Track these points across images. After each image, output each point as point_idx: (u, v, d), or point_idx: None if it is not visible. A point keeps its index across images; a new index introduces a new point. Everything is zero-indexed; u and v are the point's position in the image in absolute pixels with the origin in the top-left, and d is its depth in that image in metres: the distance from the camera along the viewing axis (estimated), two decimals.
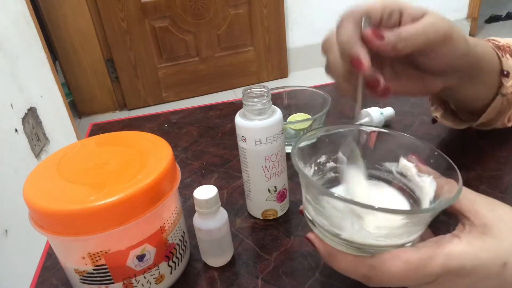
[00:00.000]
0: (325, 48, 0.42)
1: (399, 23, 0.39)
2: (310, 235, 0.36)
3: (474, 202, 0.32)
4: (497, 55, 0.48)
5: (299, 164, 0.35)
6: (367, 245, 0.33)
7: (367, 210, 0.30)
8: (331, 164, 0.41)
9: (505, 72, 0.48)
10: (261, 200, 0.49)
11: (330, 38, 0.41)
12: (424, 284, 0.31)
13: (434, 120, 0.60)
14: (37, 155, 1.31)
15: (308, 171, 0.39)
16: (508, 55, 0.49)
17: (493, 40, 0.51)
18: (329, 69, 0.42)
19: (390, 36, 0.37)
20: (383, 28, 0.38)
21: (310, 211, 0.36)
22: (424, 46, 0.38)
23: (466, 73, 0.45)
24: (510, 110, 0.52)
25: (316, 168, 0.40)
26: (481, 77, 0.47)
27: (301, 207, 0.39)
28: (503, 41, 0.52)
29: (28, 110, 1.32)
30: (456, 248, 0.30)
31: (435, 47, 0.39)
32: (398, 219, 0.31)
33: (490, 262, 0.30)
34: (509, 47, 0.50)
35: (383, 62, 0.44)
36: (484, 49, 0.46)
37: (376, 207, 0.30)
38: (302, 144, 0.38)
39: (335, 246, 0.34)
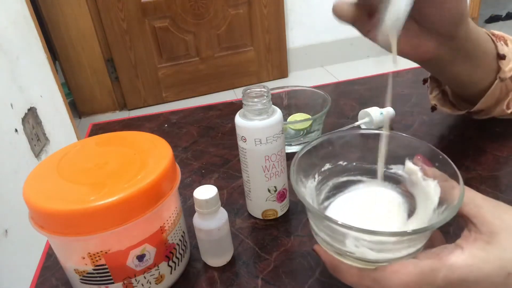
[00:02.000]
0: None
1: None
2: (316, 247, 0.37)
3: (481, 208, 0.32)
4: (492, 40, 0.49)
5: (298, 186, 0.35)
6: (370, 260, 0.33)
7: (365, 235, 0.31)
8: (335, 169, 0.41)
9: (501, 54, 0.48)
10: (261, 200, 0.49)
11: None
12: None
13: (433, 108, 0.60)
14: (37, 155, 1.31)
15: (311, 183, 0.39)
16: (502, 42, 0.50)
17: (489, 31, 0.52)
18: (339, 12, 0.42)
19: None
20: None
21: (313, 227, 0.36)
22: None
23: (459, 45, 0.44)
24: (508, 97, 0.52)
25: (320, 177, 0.40)
26: (474, 57, 0.47)
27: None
28: (499, 33, 0.52)
29: (28, 110, 1.32)
30: (458, 260, 0.30)
31: None
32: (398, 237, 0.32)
33: (494, 273, 0.30)
34: (503, 37, 0.51)
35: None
36: (479, 32, 0.46)
37: (373, 231, 0.30)
38: (300, 162, 0.38)
39: (339, 258, 0.34)
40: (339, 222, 0.31)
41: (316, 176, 0.40)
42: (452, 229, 0.39)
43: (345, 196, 0.40)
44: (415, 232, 0.31)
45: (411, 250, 0.32)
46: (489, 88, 0.50)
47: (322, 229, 0.35)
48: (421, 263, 0.31)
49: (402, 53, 0.44)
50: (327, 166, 0.41)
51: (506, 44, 0.51)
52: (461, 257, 0.30)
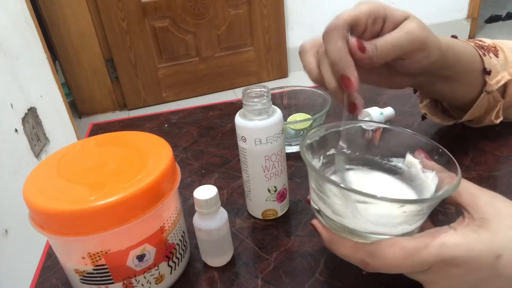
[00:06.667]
0: (301, 54, 0.43)
1: (381, 28, 0.40)
2: (314, 221, 0.38)
3: (475, 196, 0.33)
4: (479, 54, 0.49)
5: (306, 154, 0.36)
6: (366, 232, 0.34)
7: (366, 198, 0.31)
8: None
9: (487, 70, 0.49)
10: (261, 200, 0.49)
11: (305, 45, 0.43)
12: (419, 272, 0.32)
13: (423, 117, 0.61)
14: (37, 155, 1.31)
15: (316, 162, 0.41)
16: (491, 54, 0.50)
17: (479, 40, 0.52)
18: (306, 72, 0.43)
19: (369, 49, 0.38)
20: (366, 34, 0.39)
21: (315, 200, 0.37)
22: (399, 56, 0.40)
23: (436, 74, 0.46)
24: (497, 107, 0.53)
25: (324, 160, 0.42)
26: (457, 77, 0.48)
27: (308, 197, 0.40)
28: (489, 41, 0.53)
29: (28, 110, 1.32)
30: (451, 238, 0.31)
31: (409, 55, 0.41)
32: (395, 208, 0.32)
33: (483, 254, 0.31)
34: (494, 47, 0.52)
35: None
36: (460, 52, 0.47)
37: (373, 195, 0.31)
38: (312, 137, 0.39)
39: (337, 233, 0.36)
40: (342, 185, 0.32)
41: (321, 158, 0.41)
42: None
43: (348, 178, 0.42)
44: (412, 201, 0.33)
45: (407, 228, 0.34)
46: (476, 100, 0.51)
47: (323, 200, 0.36)
48: (416, 239, 0.32)
49: (379, 86, 0.47)
50: (332, 151, 0.42)
51: (496, 55, 0.51)
52: (454, 236, 0.32)
